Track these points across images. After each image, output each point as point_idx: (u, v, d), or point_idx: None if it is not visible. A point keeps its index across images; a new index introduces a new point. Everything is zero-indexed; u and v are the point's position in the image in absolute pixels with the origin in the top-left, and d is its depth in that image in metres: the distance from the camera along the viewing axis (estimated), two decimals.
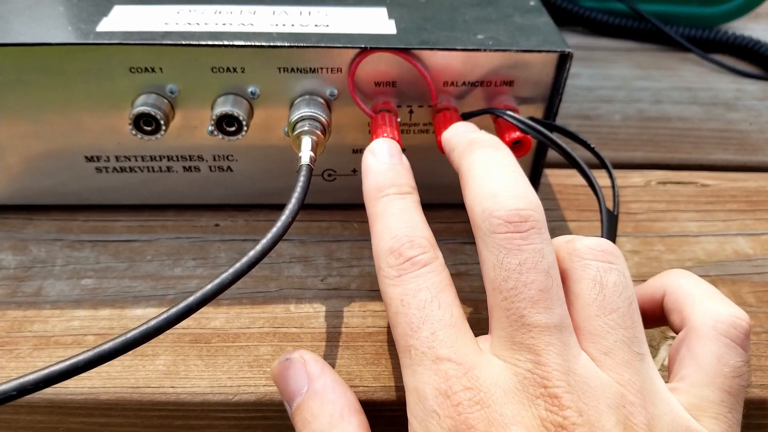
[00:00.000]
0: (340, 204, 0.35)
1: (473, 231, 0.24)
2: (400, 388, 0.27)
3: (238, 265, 0.22)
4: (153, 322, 0.20)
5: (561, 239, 0.25)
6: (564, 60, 0.30)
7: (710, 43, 0.55)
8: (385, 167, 0.27)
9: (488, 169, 0.25)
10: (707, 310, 0.24)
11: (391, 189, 0.26)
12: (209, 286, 0.21)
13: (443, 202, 0.35)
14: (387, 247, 0.24)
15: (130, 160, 0.32)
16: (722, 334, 0.23)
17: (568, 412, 0.19)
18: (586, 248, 0.23)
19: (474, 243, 0.33)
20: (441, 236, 0.34)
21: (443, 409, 0.20)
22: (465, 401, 0.20)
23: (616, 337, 0.22)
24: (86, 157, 0.32)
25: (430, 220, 0.35)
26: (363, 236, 0.34)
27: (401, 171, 0.27)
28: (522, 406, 0.20)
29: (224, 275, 0.22)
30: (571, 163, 0.30)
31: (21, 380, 0.19)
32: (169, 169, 0.33)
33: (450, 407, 0.20)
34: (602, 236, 0.28)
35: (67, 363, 0.19)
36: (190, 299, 0.21)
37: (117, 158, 0.32)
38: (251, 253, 0.23)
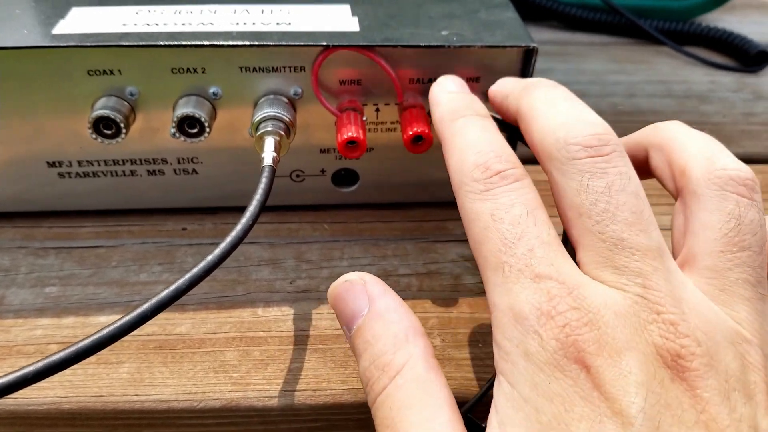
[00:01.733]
0: (309, 205, 0.35)
1: (544, 166, 0.23)
2: None
3: (195, 270, 0.22)
4: (105, 331, 0.20)
5: (698, 153, 0.22)
6: (529, 55, 0.29)
7: (684, 36, 0.55)
8: (457, 95, 0.26)
9: (554, 102, 0.23)
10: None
11: (468, 110, 0.25)
12: (164, 293, 0.21)
13: (413, 201, 0.35)
14: (471, 162, 0.22)
15: (92, 164, 0.32)
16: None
17: (685, 340, 0.18)
18: (729, 178, 0.21)
19: (444, 241, 0.33)
20: (412, 234, 0.34)
21: (547, 330, 0.18)
22: (573, 322, 0.18)
23: (739, 275, 0.20)
24: (48, 163, 0.32)
25: (400, 219, 0.35)
26: (333, 237, 0.34)
27: (475, 98, 0.26)
28: (635, 331, 0.18)
29: (180, 281, 0.21)
30: None
31: None
32: (132, 173, 0.32)
33: (555, 328, 0.18)
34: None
35: (16, 375, 0.19)
36: (145, 306, 0.20)
37: (80, 163, 0.32)
38: (209, 258, 0.22)
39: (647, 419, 0.17)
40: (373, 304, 0.22)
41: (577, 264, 0.21)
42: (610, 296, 0.19)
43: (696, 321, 0.19)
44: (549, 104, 0.23)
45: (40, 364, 0.18)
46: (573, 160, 0.21)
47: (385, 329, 0.21)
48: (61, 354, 0.19)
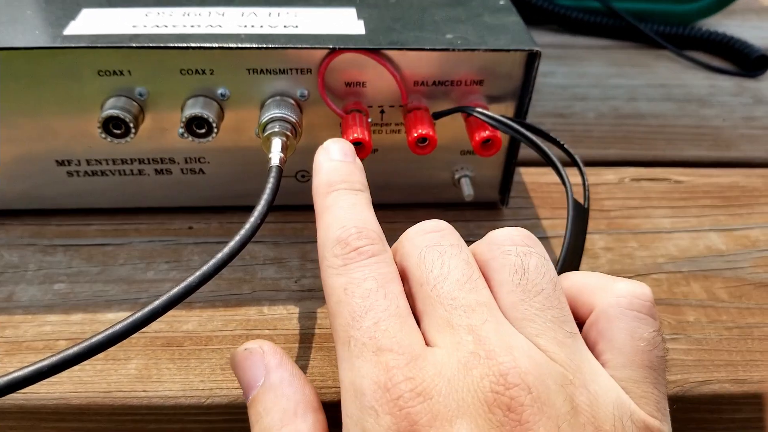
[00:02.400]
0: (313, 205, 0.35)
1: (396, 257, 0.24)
2: None
3: (205, 267, 0.22)
4: (118, 327, 0.20)
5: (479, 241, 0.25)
6: (533, 58, 0.30)
7: (685, 40, 0.55)
8: (337, 164, 0.26)
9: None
10: (607, 290, 0.23)
11: (342, 185, 0.25)
12: (175, 290, 0.21)
13: (416, 202, 0.35)
14: (334, 237, 0.23)
15: (101, 163, 0.32)
16: (627, 308, 0.22)
17: (515, 390, 0.19)
18: (503, 236, 0.23)
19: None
20: None
21: (382, 405, 0.19)
22: (406, 393, 0.19)
23: (545, 318, 0.21)
24: (57, 161, 0.32)
25: (403, 219, 0.35)
26: None
27: (353, 169, 0.27)
28: (468, 393, 0.19)
29: (190, 278, 0.22)
30: (541, 155, 0.30)
31: None
32: (140, 172, 0.33)
33: (390, 402, 0.19)
34: (567, 227, 0.28)
35: (31, 369, 0.19)
36: (156, 303, 0.21)
37: (88, 162, 0.32)
38: (219, 256, 0.23)
39: None
40: (267, 377, 0.23)
41: (424, 333, 0.22)
42: (445, 363, 0.20)
43: (527, 365, 0.19)
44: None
45: (54, 359, 0.19)
46: (413, 239, 0.23)
47: (275, 403, 0.22)
48: (75, 349, 0.19)
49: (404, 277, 0.23)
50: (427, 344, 0.21)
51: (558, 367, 0.20)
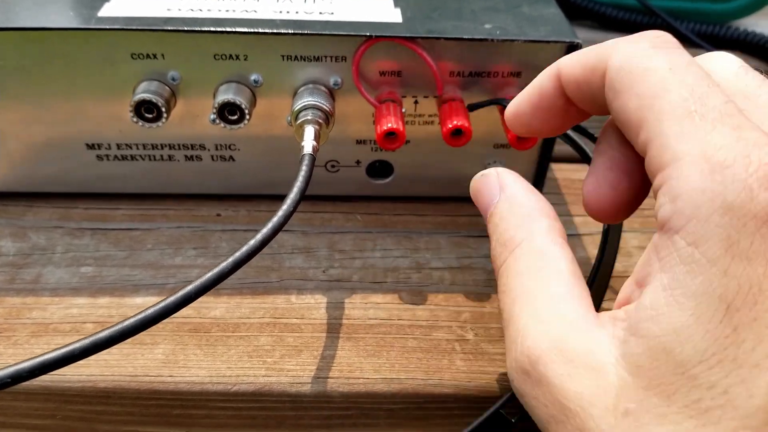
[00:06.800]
0: (343, 195, 0.35)
1: None
2: (401, 381, 0.26)
3: (237, 254, 0.22)
4: (150, 311, 0.20)
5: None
6: (573, 50, 0.29)
7: (721, 40, 0.54)
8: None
9: None
10: None
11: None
12: (208, 275, 0.21)
13: (447, 195, 0.35)
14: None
15: (131, 148, 0.32)
16: None
17: None
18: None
19: (477, 236, 0.33)
20: (446, 228, 0.34)
21: (758, 180, 0.16)
22: None
23: None
24: (87, 145, 0.32)
25: (432, 212, 0.35)
26: (366, 228, 0.34)
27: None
28: None
29: (223, 264, 0.21)
30: (580, 154, 0.29)
31: (16, 367, 0.19)
32: (170, 157, 0.32)
33: (761, 165, 0.16)
34: (606, 230, 0.27)
35: (63, 351, 0.19)
36: (189, 288, 0.21)
37: (118, 146, 0.32)
38: (251, 242, 0.22)
39: None
40: (503, 192, 0.24)
41: None
42: None
43: None
44: None
45: (86, 341, 0.19)
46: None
47: (511, 211, 0.23)
48: (107, 332, 0.19)
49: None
50: None
51: None
